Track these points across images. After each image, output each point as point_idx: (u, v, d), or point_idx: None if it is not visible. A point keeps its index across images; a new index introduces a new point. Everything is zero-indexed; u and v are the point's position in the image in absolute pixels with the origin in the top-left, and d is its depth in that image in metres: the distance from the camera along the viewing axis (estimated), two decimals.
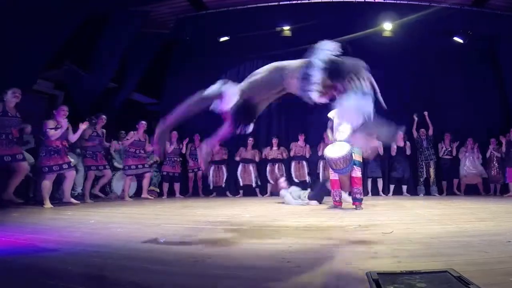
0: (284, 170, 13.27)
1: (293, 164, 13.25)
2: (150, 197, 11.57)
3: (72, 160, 9.46)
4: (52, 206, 8.23)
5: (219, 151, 13.32)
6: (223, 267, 2.96)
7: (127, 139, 11.11)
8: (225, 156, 13.58)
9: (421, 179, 12.92)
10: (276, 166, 13.25)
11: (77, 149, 10.25)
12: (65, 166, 8.74)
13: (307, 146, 13.22)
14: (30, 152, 9.18)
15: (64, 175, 8.87)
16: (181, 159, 13.02)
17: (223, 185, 13.49)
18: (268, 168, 13.35)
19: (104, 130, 10.63)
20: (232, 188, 13.64)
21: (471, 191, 12.83)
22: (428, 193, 12.76)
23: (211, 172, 13.38)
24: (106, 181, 10.95)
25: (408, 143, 12.92)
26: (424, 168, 12.86)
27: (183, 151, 13.15)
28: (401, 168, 12.77)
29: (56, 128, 8.65)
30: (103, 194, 11.07)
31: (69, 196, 9.03)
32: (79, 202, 9.10)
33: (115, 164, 11.77)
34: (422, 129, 12.98)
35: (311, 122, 13.29)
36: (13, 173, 8.05)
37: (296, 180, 12.89)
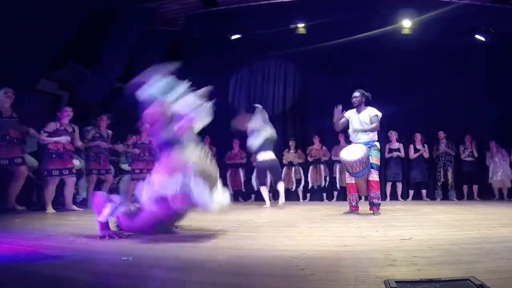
0: (302, 173, 13.20)
1: (310, 168, 13.12)
2: None
3: (77, 163, 9.47)
4: (54, 211, 8.25)
5: (236, 154, 13.31)
6: (235, 274, 2.98)
7: (127, 145, 11.08)
8: (243, 159, 13.37)
9: (439, 183, 12.84)
10: (293, 169, 13.11)
11: (82, 153, 10.28)
12: (65, 172, 8.68)
13: (324, 148, 13.13)
14: (34, 155, 9.20)
15: (64, 181, 8.84)
16: None
17: (243, 190, 13.40)
18: (283, 171, 12.76)
19: (110, 132, 10.54)
20: (244, 193, 13.56)
21: (491, 195, 12.74)
22: (446, 197, 12.72)
23: (227, 176, 13.17)
24: (107, 187, 10.86)
25: (425, 145, 12.88)
26: (442, 173, 12.78)
27: None
28: (419, 171, 12.76)
29: (53, 133, 8.65)
30: None
31: (71, 203, 8.98)
32: (81, 209, 9.04)
33: (122, 166, 11.75)
34: (441, 132, 12.91)
35: (326, 124, 13.28)
36: (12, 178, 7.95)
37: (312, 185, 12.92)
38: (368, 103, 7.95)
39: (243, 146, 13.06)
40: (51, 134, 8.65)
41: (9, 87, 7.97)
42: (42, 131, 8.61)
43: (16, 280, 2.84)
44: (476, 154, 12.75)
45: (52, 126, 8.70)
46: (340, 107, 7.91)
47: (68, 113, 8.88)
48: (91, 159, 10.09)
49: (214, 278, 2.87)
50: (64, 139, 8.77)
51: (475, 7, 11.66)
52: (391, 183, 12.84)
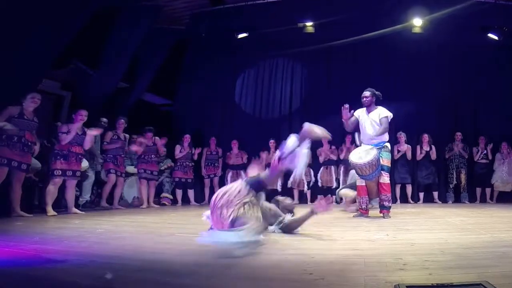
0: (312, 175, 13.17)
1: (321, 169, 13.14)
2: (155, 205, 11.54)
3: (83, 165, 9.47)
4: (55, 213, 8.25)
5: (237, 154, 13.32)
6: (242, 279, 2.97)
7: (135, 146, 11.13)
8: (244, 160, 13.27)
9: (451, 186, 12.80)
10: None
11: (88, 154, 10.31)
12: (68, 173, 8.68)
13: (333, 148, 13.07)
14: (35, 157, 9.20)
15: (65, 184, 8.83)
16: (193, 164, 12.86)
17: None
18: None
19: (126, 135, 10.78)
20: None
21: (504, 198, 12.62)
22: (458, 200, 12.68)
23: (228, 178, 13.12)
24: (120, 191, 10.88)
25: (433, 147, 12.81)
26: (454, 175, 12.74)
27: (195, 157, 12.98)
28: (428, 173, 12.71)
29: (67, 132, 8.70)
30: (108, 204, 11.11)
31: (73, 207, 8.96)
32: (83, 212, 9.02)
33: (126, 168, 11.75)
34: (458, 133, 12.85)
35: (332, 124, 13.25)
36: (11, 183, 7.87)
37: (321, 186, 12.90)
38: (378, 102, 7.90)
39: (243, 147, 13.04)
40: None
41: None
42: (60, 133, 8.71)
43: (18, 285, 2.84)
44: (490, 156, 12.70)
45: (64, 128, 8.77)
46: (347, 106, 7.86)
47: (82, 117, 8.90)
48: (108, 160, 10.39)
49: (221, 282, 2.87)
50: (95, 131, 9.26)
51: (488, 5, 11.62)
52: (400, 185, 12.81)
